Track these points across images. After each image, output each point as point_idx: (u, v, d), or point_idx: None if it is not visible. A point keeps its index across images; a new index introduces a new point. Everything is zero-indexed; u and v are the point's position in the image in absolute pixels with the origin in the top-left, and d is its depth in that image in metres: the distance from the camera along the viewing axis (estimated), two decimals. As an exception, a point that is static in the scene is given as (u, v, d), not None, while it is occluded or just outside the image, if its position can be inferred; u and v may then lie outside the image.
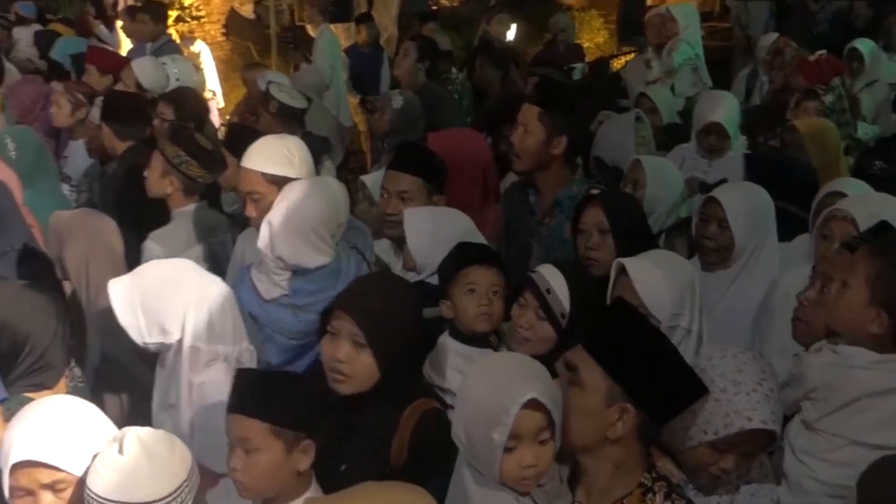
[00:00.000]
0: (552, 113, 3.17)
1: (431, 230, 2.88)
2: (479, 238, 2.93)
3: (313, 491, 2.07)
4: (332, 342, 2.23)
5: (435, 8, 12.23)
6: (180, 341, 2.51)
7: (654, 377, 1.83)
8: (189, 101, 4.80)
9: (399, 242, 3.10)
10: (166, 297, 2.51)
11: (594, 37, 12.69)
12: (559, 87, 3.42)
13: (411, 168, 3.17)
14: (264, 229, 2.81)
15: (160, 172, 3.38)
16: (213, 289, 2.58)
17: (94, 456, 1.96)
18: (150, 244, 3.27)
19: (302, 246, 2.81)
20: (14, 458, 1.93)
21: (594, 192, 3.07)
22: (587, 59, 8.52)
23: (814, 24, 8.98)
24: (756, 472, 2.09)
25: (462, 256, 2.65)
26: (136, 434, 1.95)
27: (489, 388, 1.86)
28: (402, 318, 2.28)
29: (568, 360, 1.90)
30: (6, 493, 1.98)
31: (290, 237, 2.79)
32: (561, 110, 3.20)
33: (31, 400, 2.58)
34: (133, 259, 3.25)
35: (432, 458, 2.09)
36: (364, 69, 7.79)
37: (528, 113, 3.21)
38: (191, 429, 2.47)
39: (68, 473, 1.95)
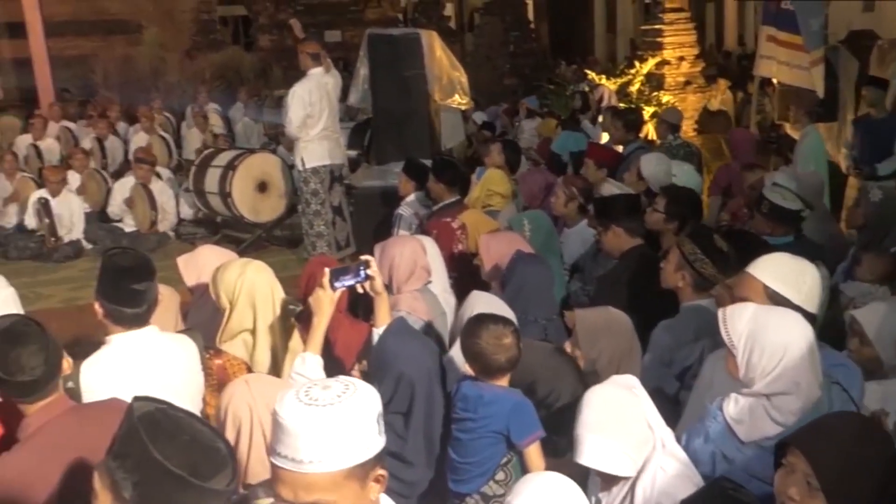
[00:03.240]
0: None
1: None
2: None
3: None
4: (786, 477, 2.11)
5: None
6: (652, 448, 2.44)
7: None
8: (680, 199, 4.91)
9: None
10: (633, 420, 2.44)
11: None
12: None
13: None
14: (750, 367, 2.52)
15: (675, 266, 3.49)
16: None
17: None
18: (659, 332, 3.40)
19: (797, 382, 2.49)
20: None
21: None
22: None
23: None
24: None
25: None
26: None
27: None
28: (869, 470, 2.01)
29: None
30: None
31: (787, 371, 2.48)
32: None
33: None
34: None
35: None
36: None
37: None
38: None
39: None
